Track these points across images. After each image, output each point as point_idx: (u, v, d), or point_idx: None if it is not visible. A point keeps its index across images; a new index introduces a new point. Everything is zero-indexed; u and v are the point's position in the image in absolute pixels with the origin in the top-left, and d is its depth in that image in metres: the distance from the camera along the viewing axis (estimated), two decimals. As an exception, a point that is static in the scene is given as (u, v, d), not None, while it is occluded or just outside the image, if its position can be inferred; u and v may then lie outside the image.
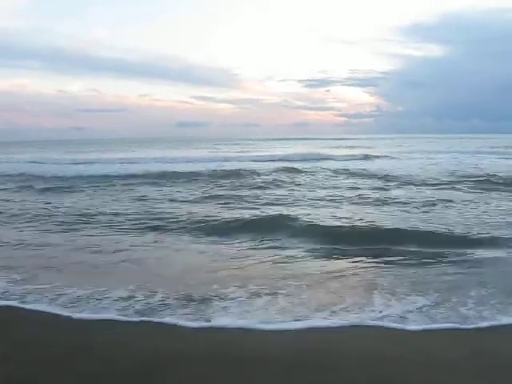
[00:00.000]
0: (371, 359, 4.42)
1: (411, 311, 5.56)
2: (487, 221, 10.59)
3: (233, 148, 55.39)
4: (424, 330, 5.06)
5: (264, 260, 7.91)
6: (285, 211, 11.88)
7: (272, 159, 31.48)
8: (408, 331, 5.06)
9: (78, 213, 12.27)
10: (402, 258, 7.90)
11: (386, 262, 7.69)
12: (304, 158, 31.48)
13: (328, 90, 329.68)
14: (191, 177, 21.18)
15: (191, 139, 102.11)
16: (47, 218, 11.78)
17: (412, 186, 17.50)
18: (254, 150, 49.16)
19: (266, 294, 6.15)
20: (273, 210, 12.13)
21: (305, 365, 4.32)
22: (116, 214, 11.97)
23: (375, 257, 7.96)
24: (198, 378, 4.11)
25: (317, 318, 5.39)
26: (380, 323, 5.25)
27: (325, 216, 11.39)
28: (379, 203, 13.43)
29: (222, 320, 5.35)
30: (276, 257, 8.09)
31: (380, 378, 4.08)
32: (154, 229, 10.38)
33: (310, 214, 11.45)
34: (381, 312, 5.55)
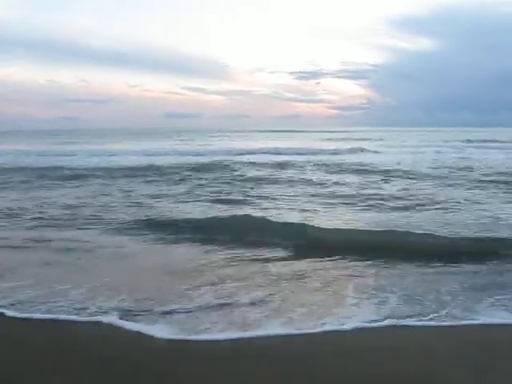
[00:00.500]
0: (360, 355, 4.42)
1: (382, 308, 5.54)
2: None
3: (221, 140, 54.94)
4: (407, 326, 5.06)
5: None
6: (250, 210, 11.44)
7: (255, 152, 31.07)
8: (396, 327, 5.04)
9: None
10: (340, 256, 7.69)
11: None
12: (296, 152, 31.20)
13: (319, 83, 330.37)
14: (163, 170, 20.65)
15: (180, 130, 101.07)
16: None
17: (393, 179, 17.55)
18: (243, 142, 48.79)
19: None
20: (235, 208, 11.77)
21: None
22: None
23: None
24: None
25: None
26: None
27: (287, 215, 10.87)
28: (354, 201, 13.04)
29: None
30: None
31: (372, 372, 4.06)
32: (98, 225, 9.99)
33: (281, 214, 10.92)
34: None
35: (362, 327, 4.97)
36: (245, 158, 26.09)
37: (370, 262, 7.39)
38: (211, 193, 14.36)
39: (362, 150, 33.56)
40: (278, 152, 31.35)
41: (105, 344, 4.66)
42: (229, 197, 13.66)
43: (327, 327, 4.96)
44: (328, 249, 8.00)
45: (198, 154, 29.96)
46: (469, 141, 47.80)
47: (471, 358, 4.37)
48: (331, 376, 4.03)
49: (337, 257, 7.65)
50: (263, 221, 9.87)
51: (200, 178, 18.07)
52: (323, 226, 9.40)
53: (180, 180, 17.81)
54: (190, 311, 5.39)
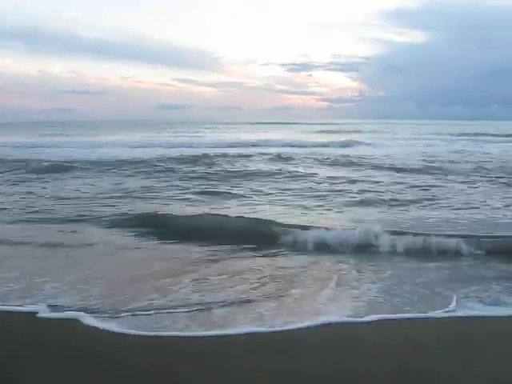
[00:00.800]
0: (347, 347, 4.52)
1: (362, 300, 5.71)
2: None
3: (212, 132, 54.73)
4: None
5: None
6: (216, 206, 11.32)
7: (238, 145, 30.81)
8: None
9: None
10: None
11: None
12: (286, 144, 31.26)
13: (310, 75, 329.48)
14: (147, 163, 20.33)
15: (172, 122, 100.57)
16: None
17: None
18: (232, 134, 48.62)
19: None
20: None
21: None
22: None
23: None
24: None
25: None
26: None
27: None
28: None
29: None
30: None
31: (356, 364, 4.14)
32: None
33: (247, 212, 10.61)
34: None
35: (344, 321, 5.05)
36: (234, 151, 25.92)
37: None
38: (183, 188, 14.13)
39: (355, 143, 33.31)
40: (267, 144, 31.32)
41: (68, 338, 4.73)
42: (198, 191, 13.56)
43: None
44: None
45: (183, 146, 29.70)
46: (464, 134, 47.47)
47: (454, 349, 4.47)
48: (315, 371, 4.05)
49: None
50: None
51: (181, 171, 17.96)
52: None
53: (162, 172, 17.69)
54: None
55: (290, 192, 13.49)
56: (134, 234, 8.99)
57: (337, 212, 10.93)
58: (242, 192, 13.42)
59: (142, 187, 14.15)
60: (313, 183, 15.08)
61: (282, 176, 16.74)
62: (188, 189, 13.97)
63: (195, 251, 7.88)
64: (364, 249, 8.06)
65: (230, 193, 13.28)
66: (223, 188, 14.11)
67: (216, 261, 7.40)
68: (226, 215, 9.86)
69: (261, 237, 8.49)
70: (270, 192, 13.45)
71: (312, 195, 12.92)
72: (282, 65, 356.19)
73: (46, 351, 4.39)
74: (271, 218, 9.70)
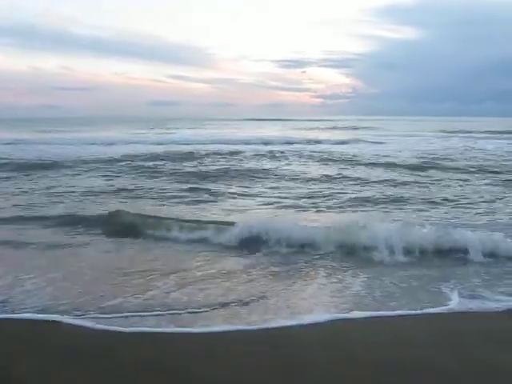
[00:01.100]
0: (340, 342, 4.48)
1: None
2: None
3: (199, 129, 53.67)
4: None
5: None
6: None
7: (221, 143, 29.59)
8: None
9: None
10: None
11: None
12: (287, 142, 30.15)
13: (304, 71, 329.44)
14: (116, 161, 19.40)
15: (163, 118, 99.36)
16: None
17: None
18: (221, 131, 47.57)
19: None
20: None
21: None
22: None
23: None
24: None
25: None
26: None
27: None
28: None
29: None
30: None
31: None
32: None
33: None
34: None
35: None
36: (223, 148, 24.96)
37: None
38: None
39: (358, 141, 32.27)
40: (258, 142, 30.21)
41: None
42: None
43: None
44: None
45: (171, 143, 28.55)
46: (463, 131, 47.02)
47: (443, 344, 4.43)
48: (305, 368, 3.94)
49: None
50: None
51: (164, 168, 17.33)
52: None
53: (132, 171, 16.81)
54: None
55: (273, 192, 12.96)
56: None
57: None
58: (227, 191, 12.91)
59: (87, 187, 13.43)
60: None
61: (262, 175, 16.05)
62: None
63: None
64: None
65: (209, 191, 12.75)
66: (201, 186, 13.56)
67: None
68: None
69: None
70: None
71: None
72: (275, 61, 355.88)
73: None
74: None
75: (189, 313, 5.09)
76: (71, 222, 9.19)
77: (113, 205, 10.72)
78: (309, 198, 11.90)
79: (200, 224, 8.68)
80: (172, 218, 9.09)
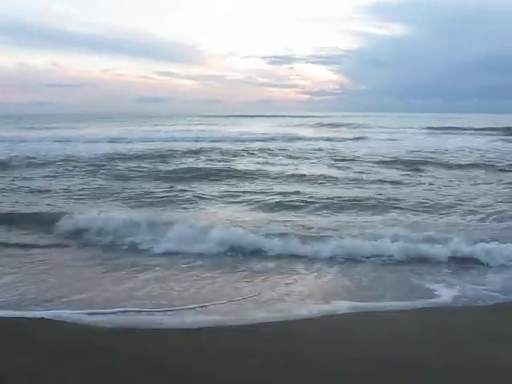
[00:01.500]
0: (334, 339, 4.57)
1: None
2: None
3: (187, 125, 53.28)
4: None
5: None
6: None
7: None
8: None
9: None
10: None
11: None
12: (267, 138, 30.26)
13: (292, 68, 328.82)
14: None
15: (153, 115, 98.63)
16: None
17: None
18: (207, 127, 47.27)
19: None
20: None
21: None
22: None
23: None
24: None
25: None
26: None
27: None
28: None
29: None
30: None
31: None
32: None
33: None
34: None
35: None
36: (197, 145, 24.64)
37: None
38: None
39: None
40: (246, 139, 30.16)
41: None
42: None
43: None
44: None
45: (155, 141, 28.20)
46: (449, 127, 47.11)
47: (433, 338, 4.54)
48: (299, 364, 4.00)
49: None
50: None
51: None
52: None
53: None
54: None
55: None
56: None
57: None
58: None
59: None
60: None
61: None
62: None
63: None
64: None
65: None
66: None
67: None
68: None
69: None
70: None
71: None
72: (264, 57, 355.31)
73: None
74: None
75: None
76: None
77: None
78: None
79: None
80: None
